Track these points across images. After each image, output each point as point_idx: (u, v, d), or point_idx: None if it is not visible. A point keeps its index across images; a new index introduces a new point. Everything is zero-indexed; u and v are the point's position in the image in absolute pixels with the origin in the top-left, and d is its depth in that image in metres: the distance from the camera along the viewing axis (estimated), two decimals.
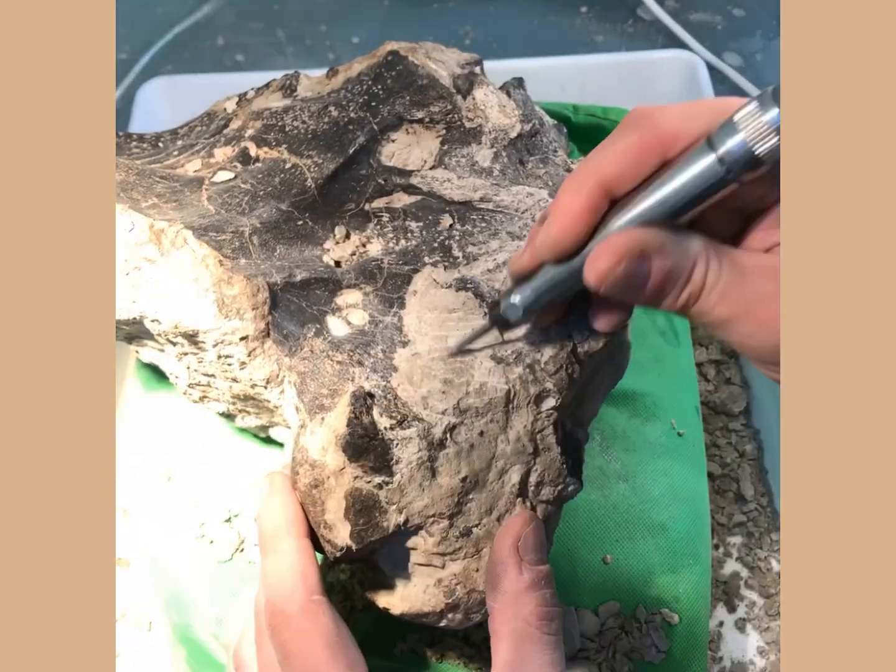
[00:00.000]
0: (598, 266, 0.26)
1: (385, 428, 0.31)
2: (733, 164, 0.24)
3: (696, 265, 0.26)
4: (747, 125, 0.24)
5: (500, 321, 0.31)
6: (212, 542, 0.42)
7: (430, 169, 0.40)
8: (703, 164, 0.25)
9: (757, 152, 0.24)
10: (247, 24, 0.81)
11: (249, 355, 0.34)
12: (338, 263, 0.37)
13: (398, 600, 0.33)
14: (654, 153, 0.26)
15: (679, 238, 0.26)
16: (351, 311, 0.35)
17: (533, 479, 0.33)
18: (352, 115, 0.41)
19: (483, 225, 0.37)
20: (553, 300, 0.30)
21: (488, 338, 0.33)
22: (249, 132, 0.41)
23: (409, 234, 0.37)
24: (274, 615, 0.29)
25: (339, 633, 0.29)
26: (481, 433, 0.32)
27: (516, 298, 0.30)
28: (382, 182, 0.39)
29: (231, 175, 0.40)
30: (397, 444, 0.31)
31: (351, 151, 0.39)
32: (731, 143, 0.24)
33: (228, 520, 0.43)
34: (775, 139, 0.24)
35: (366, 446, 0.31)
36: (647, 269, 0.26)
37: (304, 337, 0.34)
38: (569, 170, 0.42)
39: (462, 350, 0.33)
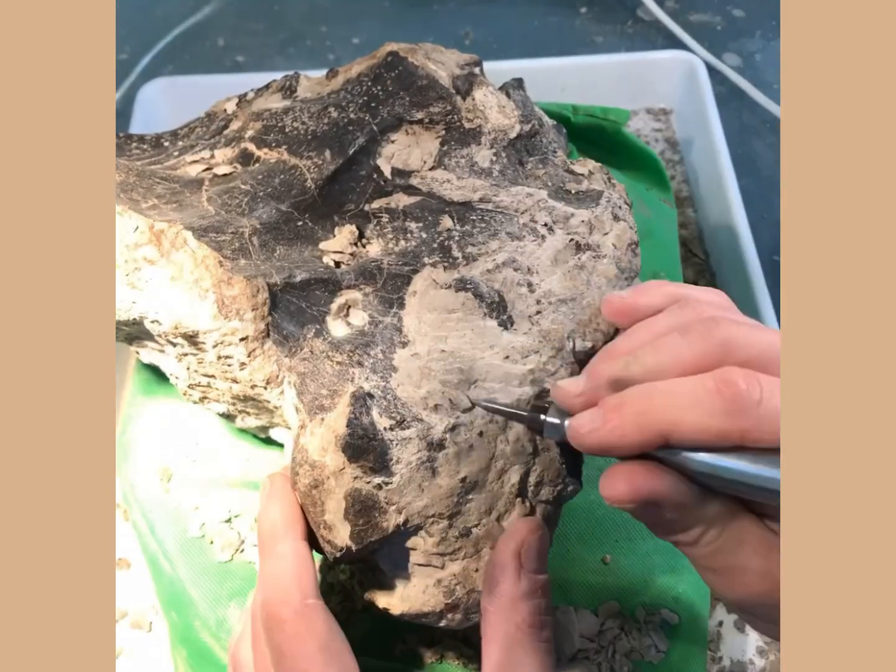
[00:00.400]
0: (609, 492, 0.27)
1: (385, 428, 0.31)
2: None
3: (707, 532, 0.27)
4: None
5: (538, 425, 0.30)
6: (212, 542, 0.42)
7: (430, 170, 0.40)
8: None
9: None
10: (247, 24, 0.81)
11: (249, 356, 0.34)
12: (337, 264, 0.37)
13: (398, 600, 0.33)
14: (731, 439, 0.25)
15: (698, 499, 0.27)
16: (351, 312, 0.35)
17: (532, 479, 0.33)
18: (351, 115, 0.41)
19: (483, 225, 0.37)
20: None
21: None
22: (249, 133, 0.41)
23: (408, 235, 0.37)
24: (269, 618, 0.29)
25: (332, 637, 0.29)
26: (480, 433, 0.32)
27: (562, 423, 0.29)
28: (382, 183, 0.39)
29: (230, 169, 0.40)
30: (397, 445, 0.31)
31: (351, 152, 0.40)
32: None
33: (228, 520, 0.43)
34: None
35: (365, 447, 0.31)
36: (656, 514, 0.27)
37: (303, 337, 0.34)
38: (569, 170, 0.42)
39: (483, 407, 0.32)
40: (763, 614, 0.28)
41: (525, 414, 0.31)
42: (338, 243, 0.37)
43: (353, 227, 0.37)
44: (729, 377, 0.25)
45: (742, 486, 0.25)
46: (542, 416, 0.30)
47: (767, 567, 0.26)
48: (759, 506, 0.27)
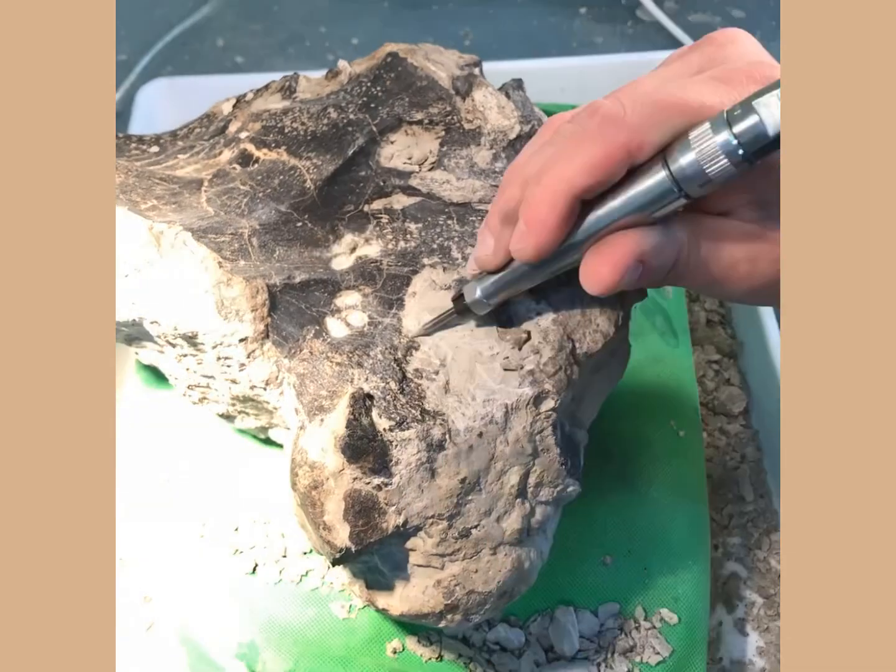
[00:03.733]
0: (599, 277, 0.27)
1: (384, 429, 0.31)
2: (684, 182, 0.25)
3: (682, 251, 0.28)
4: (700, 146, 0.25)
5: (463, 310, 0.32)
6: (212, 543, 0.42)
7: (430, 170, 0.40)
8: (655, 179, 0.26)
9: (708, 172, 0.25)
10: (246, 25, 0.81)
11: (249, 357, 0.34)
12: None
13: (397, 601, 0.33)
14: (622, 164, 0.26)
15: (667, 231, 0.27)
16: (350, 313, 0.35)
17: (532, 480, 0.33)
18: (351, 116, 0.41)
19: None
20: (517, 290, 0.31)
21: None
22: (249, 134, 0.41)
23: (408, 236, 0.37)
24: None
25: None
26: (480, 434, 0.32)
27: (482, 293, 0.31)
28: (381, 183, 0.39)
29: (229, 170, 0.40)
30: (396, 446, 0.31)
31: (350, 153, 0.40)
32: (683, 161, 0.25)
33: (229, 522, 0.43)
34: (724, 162, 0.24)
35: (365, 448, 0.31)
36: (644, 270, 0.27)
37: (303, 338, 0.34)
38: None
39: (428, 333, 0.34)
40: (771, 295, 0.29)
41: (451, 309, 0.33)
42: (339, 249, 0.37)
43: (351, 237, 0.37)
44: (589, 109, 0.26)
45: (649, 205, 0.26)
46: (466, 292, 0.32)
47: (752, 250, 0.28)
48: (706, 203, 0.28)
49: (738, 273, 0.28)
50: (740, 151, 0.24)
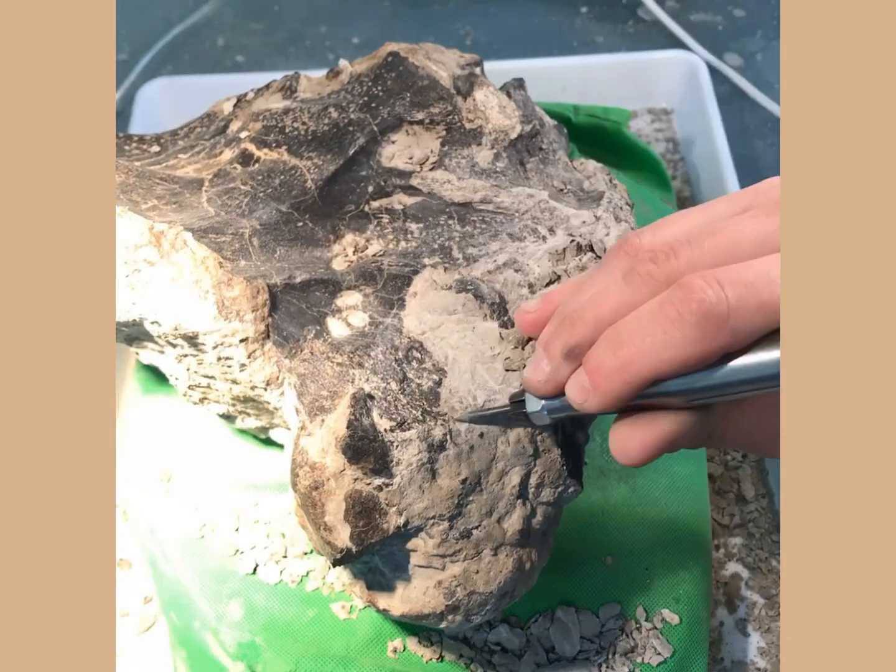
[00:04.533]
0: (627, 452, 0.27)
1: (385, 430, 0.31)
2: None
3: (714, 429, 0.27)
4: None
5: (522, 417, 0.30)
6: (212, 543, 0.42)
7: (430, 170, 0.40)
8: (770, 368, 0.24)
9: None
10: (247, 24, 0.81)
11: (249, 357, 0.34)
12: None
13: (398, 602, 0.33)
14: (713, 361, 0.24)
15: (704, 413, 0.26)
16: (351, 313, 0.35)
17: (533, 480, 0.33)
18: (352, 116, 0.41)
19: (483, 226, 0.37)
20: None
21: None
22: (249, 134, 0.41)
23: (408, 236, 0.37)
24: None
25: None
26: (481, 434, 0.32)
27: (545, 409, 0.29)
28: (382, 183, 0.39)
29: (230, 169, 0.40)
30: (397, 446, 0.31)
31: (351, 153, 0.39)
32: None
33: (229, 522, 0.43)
34: None
35: (366, 448, 0.31)
36: (673, 448, 0.27)
37: (304, 339, 0.34)
38: (570, 171, 0.42)
39: (473, 422, 0.32)
40: None
41: (508, 408, 0.31)
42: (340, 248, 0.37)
43: (352, 237, 0.37)
44: (685, 289, 0.24)
45: (737, 386, 0.25)
46: (525, 410, 0.30)
47: (766, 403, 0.26)
48: None
49: (762, 431, 0.27)
50: None
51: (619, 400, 0.26)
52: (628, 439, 0.27)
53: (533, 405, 0.29)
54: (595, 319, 0.27)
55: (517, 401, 0.30)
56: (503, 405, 0.31)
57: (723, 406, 0.27)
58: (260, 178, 0.39)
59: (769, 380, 0.24)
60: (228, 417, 0.42)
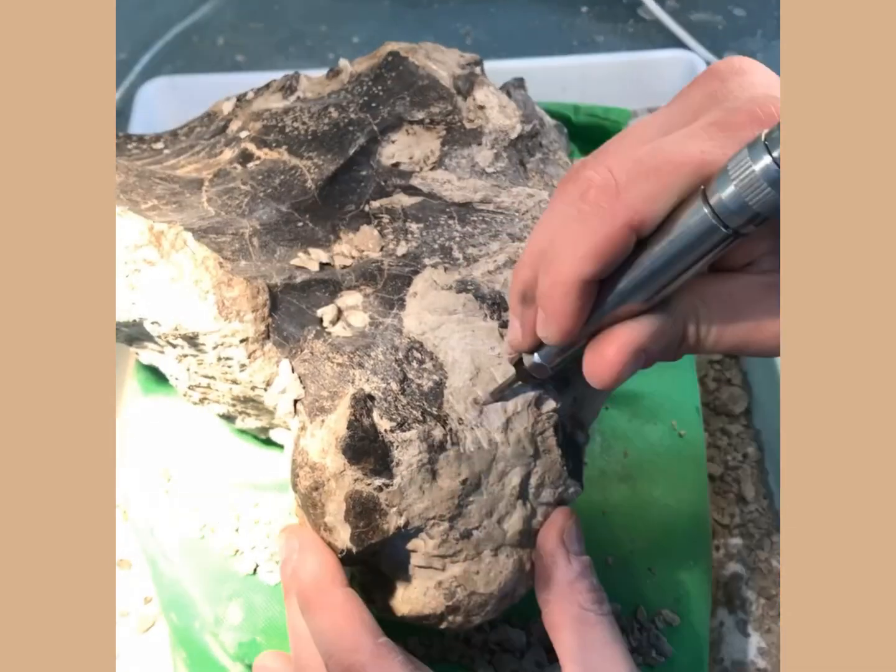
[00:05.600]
0: (599, 374, 0.26)
1: (385, 430, 0.31)
2: (729, 220, 0.23)
3: (687, 328, 0.26)
4: (738, 177, 0.22)
5: (527, 375, 0.31)
6: (212, 543, 0.42)
7: (431, 170, 0.40)
8: (695, 228, 0.23)
9: (752, 205, 0.22)
10: (247, 24, 0.81)
11: (249, 357, 0.34)
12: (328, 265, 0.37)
13: (398, 602, 0.33)
14: (627, 242, 0.24)
15: (668, 312, 0.26)
16: (351, 313, 0.35)
17: (533, 481, 0.33)
18: (352, 115, 0.41)
19: (484, 226, 0.37)
20: (567, 354, 0.29)
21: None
22: (249, 133, 0.41)
23: (409, 236, 0.37)
24: (347, 669, 0.29)
25: (415, 666, 0.30)
26: (481, 435, 0.32)
27: (540, 358, 0.30)
28: (382, 183, 0.39)
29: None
30: (397, 447, 0.31)
31: (351, 152, 0.39)
32: (724, 197, 0.22)
33: (229, 522, 0.43)
34: (768, 191, 0.22)
35: (366, 449, 0.31)
36: (647, 357, 0.26)
37: (304, 339, 0.34)
38: None
39: (497, 399, 0.32)
40: None
41: (514, 375, 0.32)
42: (354, 243, 0.37)
43: (372, 230, 0.37)
44: (574, 180, 0.25)
45: (686, 257, 0.24)
46: (524, 365, 0.31)
47: (768, 304, 0.26)
48: (723, 261, 0.26)
49: (765, 332, 0.26)
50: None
51: (571, 317, 0.26)
52: (596, 358, 0.26)
53: (528, 362, 0.30)
54: (530, 256, 0.27)
55: (517, 364, 0.31)
56: (510, 377, 0.32)
57: (705, 308, 0.26)
58: (260, 177, 0.39)
59: (696, 244, 0.24)
60: (228, 418, 0.42)
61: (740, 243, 0.24)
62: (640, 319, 0.26)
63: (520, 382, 0.32)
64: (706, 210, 0.23)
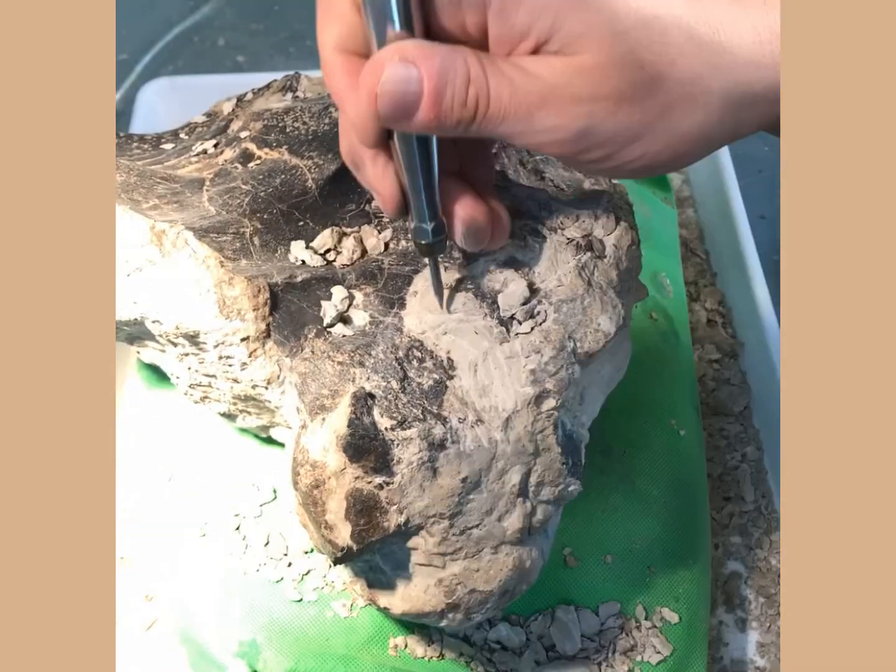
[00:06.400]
0: (368, 84, 0.25)
1: (386, 428, 0.31)
2: None
3: (469, 64, 0.25)
4: None
5: (428, 250, 0.32)
6: (213, 542, 0.42)
7: None
8: None
9: None
10: (247, 24, 0.81)
11: (250, 356, 0.34)
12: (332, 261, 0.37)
13: (399, 600, 0.33)
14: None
15: (442, 46, 0.25)
16: (352, 312, 0.35)
17: (533, 479, 0.33)
18: None
19: None
20: (433, 194, 0.30)
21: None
22: (250, 133, 0.41)
23: (409, 235, 0.37)
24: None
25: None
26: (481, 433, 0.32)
27: (412, 222, 0.31)
28: None
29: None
30: (398, 445, 0.31)
31: None
32: None
33: (230, 521, 0.43)
34: None
35: (367, 447, 0.31)
36: (418, 76, 0.25)
37: (305, 337, 0.34)
38: (570, 171, 0.42)
39: (448, 302, 0.33)
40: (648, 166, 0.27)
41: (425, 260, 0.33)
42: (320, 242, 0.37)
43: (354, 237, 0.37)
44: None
45: None
46: (411, 237, 0.31)
47: (585, 86, 0.25)
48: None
49: (560, 98, 0.25)
50: None
51: (349, 91, 0.26)
52: (365, 73, 0.25)
53: (411, 231, 0.31)
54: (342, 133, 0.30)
55: (416, 245, 0.31)
56: (429, 266, 0.33)
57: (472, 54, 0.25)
58: (261, 177, 0.39)
59: None
60: (229, 416, 0.42)
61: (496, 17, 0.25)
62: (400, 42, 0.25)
63: (431, 263, 0.32)
64: None
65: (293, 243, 0.37)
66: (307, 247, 0.37)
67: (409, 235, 0.32)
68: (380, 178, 0.30)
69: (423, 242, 0.31)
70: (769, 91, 0.26)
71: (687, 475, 0.45)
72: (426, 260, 0.34)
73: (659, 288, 0.54)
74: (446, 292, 0.34)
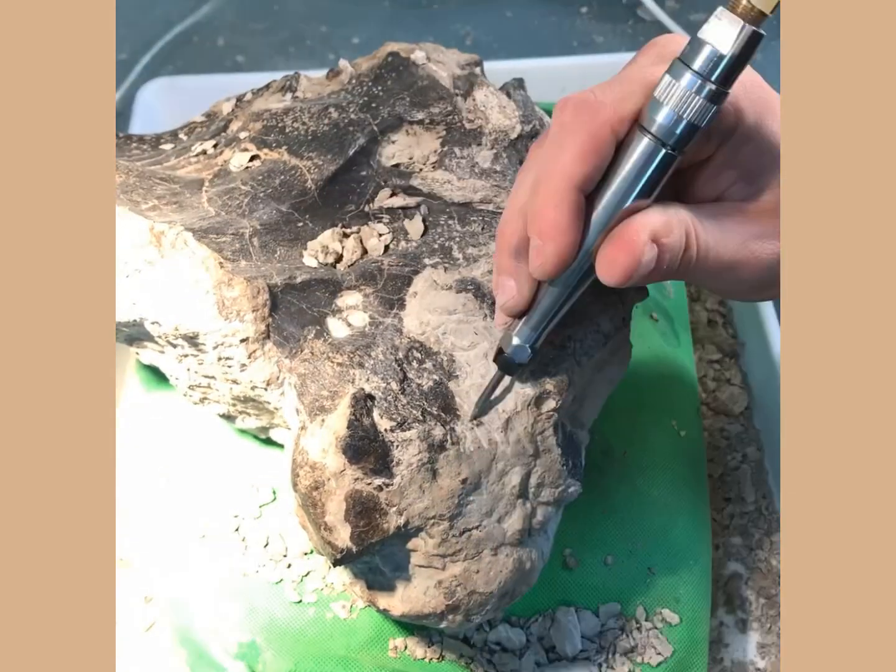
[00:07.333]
0: (617, 264, 0.26)
1: (385, 430, 0.31)
2: (668, 137, 0.25)
3: (689, 231, 0.27)
4: (669, 97, 0.25)
5: (509, 367, 0.31)
6: (212, 543, 0.42)
7: (431, 170, 0.40)
8: (642, 147, 0.26)
9: (687, 117, 0.25)
10: (247, 24, 0.81)
11: (250, 357, 0.34)
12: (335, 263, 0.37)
13: (398, 602, 0.33)
14: (609, 141, 0.26)
15: (668, 208, 0.27)
16: (351, 313, 0.35)
17: (533, 480, 0.33)
18: (352, 116, 0.41)
19: (484, 226, 0.37)
20: (552, 322, 0.30)
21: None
22: (249, 134, 0.41)
23: (409, 236, 0.37)
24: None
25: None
26: (481, 434, 0.32)
27: (519, 339, 0.30)
28: (382, 183, 0.39)
29: (250, 154, 0.40)
30: (397, 446, 0.31)
31: (351, 153, 0.40)
32: (659, 118, 0.25)
33: (230, 522, 0.43)
34: (698, 100, 0.25)
35: (366, 448, 0.31)
36: (660, 251, 0.27)
37: (304, 339, 0.34)
38: None
39: (484, 410, 0.32)
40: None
41: (497, 372, 0.31)
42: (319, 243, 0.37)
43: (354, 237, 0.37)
44: (559, 105, 0.27)
45: (651, 175, 0.26)
46: (504, 346, 0.31)
47: (756, 227, 0.28)
48: (695, 192, 0.29)
49: (749, 253, 0.28)
50: (709, 85, 0.25)
51: (566, 230, 0.26)
52: (613, 252, 0.27)
53: (508, 343, 0.30)
54: (515, 209, 0.29)
55: (499, 354, 0.31)
56: (493, 376, 0.32)
57: (699, 221, 0.27)
58: (260, 178, 0.39)
59: (646, 165, 0.26)
60: (229, 417, 0.42)
61: (707, 177, 0.28)
62: (646, 211, 0.27)
63: (502, 377, 0.32)
64: (646, 138, 0.26)
65: (309, 243, 0.36)
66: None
67: (499, 343, 0.31)
68: (522, 281, 0.30)
69: (514, 361, 0.31)
70: None
71: (687, 476, 0.45)
72: (493, 370, 0.32)
73: (659, 288, 0.54)
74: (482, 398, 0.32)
